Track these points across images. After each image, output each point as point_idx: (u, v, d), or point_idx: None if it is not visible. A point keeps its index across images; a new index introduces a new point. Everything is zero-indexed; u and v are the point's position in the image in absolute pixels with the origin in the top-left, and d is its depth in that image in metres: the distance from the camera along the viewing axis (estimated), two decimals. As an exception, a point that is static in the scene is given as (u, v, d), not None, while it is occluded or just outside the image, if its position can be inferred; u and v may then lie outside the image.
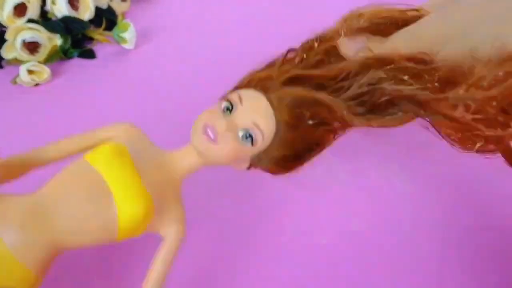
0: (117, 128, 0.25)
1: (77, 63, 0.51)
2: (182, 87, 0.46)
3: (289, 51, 0.27)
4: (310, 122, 0.23)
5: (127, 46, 0.51)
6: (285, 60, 0.26)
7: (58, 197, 0.22)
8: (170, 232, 0.24)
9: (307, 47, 0.26)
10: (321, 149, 0.26)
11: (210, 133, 0.22)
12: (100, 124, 0.43)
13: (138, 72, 0.49)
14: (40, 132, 0.43)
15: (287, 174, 0.26)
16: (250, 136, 0.23)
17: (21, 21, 0.48)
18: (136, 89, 0.47)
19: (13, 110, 0.46)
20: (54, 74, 0.50)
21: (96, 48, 0.53)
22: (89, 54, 0.52)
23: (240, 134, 0.23)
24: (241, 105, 0.23)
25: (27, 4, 0.48)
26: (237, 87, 0.25)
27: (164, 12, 0.58)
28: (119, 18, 0.53)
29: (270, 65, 0.26)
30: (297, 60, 0.26)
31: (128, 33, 0.50)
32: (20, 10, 0.48)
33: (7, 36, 0.47)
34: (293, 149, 0.24)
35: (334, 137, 0.26)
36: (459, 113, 0.21)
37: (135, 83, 0.48)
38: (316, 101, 0.23)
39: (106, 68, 0.50)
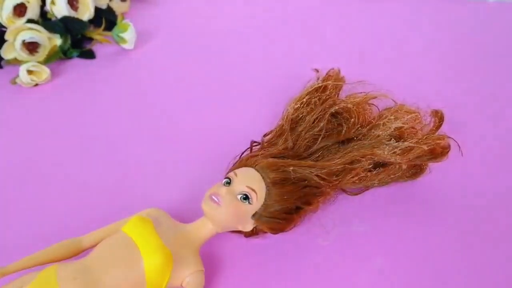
0: (140, 213, 0.30)
1: (77, 63, 0.51)
2: (182, 87, 0.47)
3: (265, 135, 0.36)
4: (295, 178, 0.30)
5: (126, 46, 0.51)
6: (263, 145, 0.35)
7: (101, 261, 0.27)
8: (190, 281, 0.28)
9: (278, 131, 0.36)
10: (310, 205, 0.31)
11: (215, 198, 0.28)
12: (99, 124, 0.44)
13: (138, 72, 0.49)
14: (40, 132, 0.43)
15: (285, 231, 0.31)
16: (247, 196, 0.29)
17: (20, 21, 0.48)
18: (135, 89, 0.47)
19: (13, 110, 0.46)
20: (54, 74, 0.50)
21: (96, 48, 0.53)
22: (89, 54, 0.52)
23: (239, 196, 0.29)
24: (236, 177, 0.29)
25: (27, 5, 0.48)
26: (232, 169, 0.31)
27: (164, 12, 0.59)
28: (119, 18, 0.53)
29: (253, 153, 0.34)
30: (269, 142, 0.35)
31: (128, 34, 0.50)
32: (19, 10, 0.48)
33: (6, 36, 0.47)
34: (284, 202, 0.30)
35: (320, 193, 0.32)
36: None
37: (135, 83, 0.48)
38: (285, 165, 0.31)
39: (106, 68, 0.50)
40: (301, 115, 0.35)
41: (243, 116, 0.42)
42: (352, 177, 0.32)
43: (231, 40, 0.52)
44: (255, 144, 0.36)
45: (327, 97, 0.36)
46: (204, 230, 0.29)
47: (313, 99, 0.36)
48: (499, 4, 0.57)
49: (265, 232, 0.31)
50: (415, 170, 0.35)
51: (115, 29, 0.51)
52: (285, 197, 0.30)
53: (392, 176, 0.34)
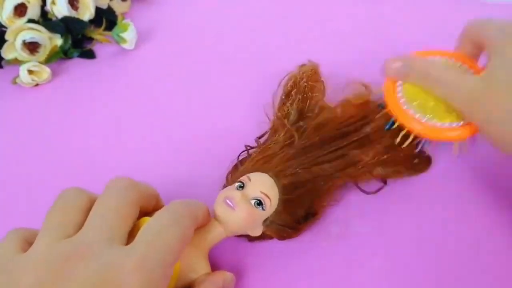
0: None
1: (77, 63, 0.51)
2: (182, 87, 0.47)
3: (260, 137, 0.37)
4: (306, 183, 0.31)
5: (127, 46, 0.51)
6: (263, 147, 0.34)
7: None
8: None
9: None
10: (317, 215, 0.32)
11: (229, 202, 0.28)
12: (99, 124, 0.44)
13: (138, 73, 0.49)
14: (40, 132, 0.43)
15: (292, 238, 0.31)
16: (260, 202, 0.29)
17: (21, 21, 0.48)
18: (136, 89, 0.47)
19: (13, 110, 0.46)
20: (55, 74, 0.50)
21: (96, 48, 0.53)
22: (89, 54, 0.52)
23: (252, 202, 0.29)
24: (250, 182, 0.30)
25: (27, 5, 0.48)
26: (245, 172, 0.31)
27: (164, 12, 0.59)
28: (119, 18, 0.53)
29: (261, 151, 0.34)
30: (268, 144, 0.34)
31: (128, 33, 0.50)
32: (20, 10, 0.48)
33: (7, 36, 0.47)
34: (296, 210, 0.30)
35: (333, 196, 0.33)
36: None
37: (135, 84, 0.48)
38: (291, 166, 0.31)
39: (106, 68, 0.50)
40: (287, 110, 0.36)
41: (245, 117, 0.42)
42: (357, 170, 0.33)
43: (232, 40, 0.52)
44: (249, 148, 0.36)
45: (303, 83, 0.37)
46: (213, 233, 0.29)
47: (292, 91, 0.37)
48: (499, 5, 0.57)
49: (271, 238, 0.32)
50: (420, 161, 0.35)
51: (116, 29, 0.51)
52: (296, 204, 0.30)
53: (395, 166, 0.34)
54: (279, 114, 0.36)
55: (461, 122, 0.30)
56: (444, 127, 0.30)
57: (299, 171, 0.31)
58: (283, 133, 0.34)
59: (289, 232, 0.31)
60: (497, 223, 0.32)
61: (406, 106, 0.31)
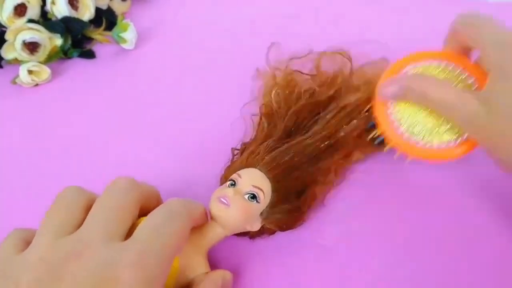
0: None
1: (77, 63, 0.51)
2: (182, 87, 0.47)
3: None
4: (295, 170, 0.31)
5: (127, 46, 0.51)
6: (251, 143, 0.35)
7: None
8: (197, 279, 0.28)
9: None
10: (315, 199, 0.32)
11: (223, 200, 0.29)
12: (99, 124, 0.44)
13: (138, 72, 0.49)
14: (40, 132, 0.43)
15: (294, 227, 0.32)
16: (254, 195, 0.29)
17: (21, 21, 0.48)
18: (136, 89, 0.47)
19: (13, 110, 0.46)
20: (54, 74, 0.50)
21: (96, 48, 0.53)
22: (89, 54, 0.52)
23: (246, 196, 0.29)
24: (241, 178, 0.30)
25: (27, 5, 0.48)
26: (231, 172, 0.32)
27: (164, 12, 0.59)
28: (119, 18, 0.53)
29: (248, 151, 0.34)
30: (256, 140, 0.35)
31: (128, 33, 0.50)
32: (20, 10, 0.48)
33: (7, 36, 0.47)
34: (290, 198, 0.31)
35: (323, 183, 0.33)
36: None
37: (135, 83, 0.48)
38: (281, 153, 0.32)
39: (106, 68, 0.50)
40: (267, 105, 0.38)
41: (247, 116, 0.42)
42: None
43: (235, 40, 0.52)
44: (236, 151, 0.36)
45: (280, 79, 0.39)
46: (212, 233, 0.29)
47: (272, 89, 0.38)
48: (499, 4, 0.57)
49: (273, 232, 0.32)
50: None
51: (115, 29, 0.51)
52: (290, 192, 0.30)
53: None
54: (259, 111, 0.38)
55: (459, 139, 0.30)
56: (443, 148, 0.30)
57: (285, 158, 0.31)
58: (261, 127, 0.36)
59: (289, 221, 0.31)
60: (499, 222, 0.32)
61: (400, 129, 0.31)
